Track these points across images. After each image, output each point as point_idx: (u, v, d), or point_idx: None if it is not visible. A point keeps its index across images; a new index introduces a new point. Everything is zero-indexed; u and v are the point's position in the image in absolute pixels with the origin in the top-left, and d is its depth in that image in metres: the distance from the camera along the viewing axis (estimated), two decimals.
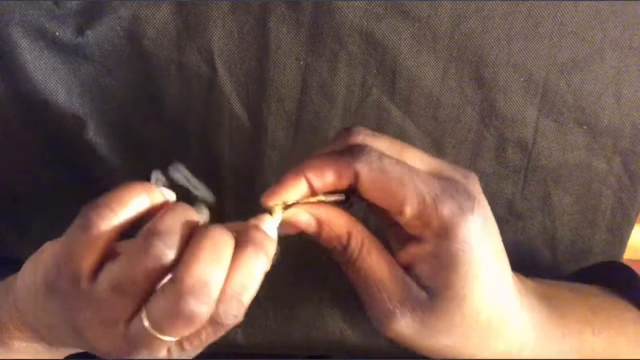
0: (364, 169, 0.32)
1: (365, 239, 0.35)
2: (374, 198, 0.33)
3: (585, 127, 0.47)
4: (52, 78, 0.42)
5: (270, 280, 0.50)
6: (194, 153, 0.45)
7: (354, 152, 0.33)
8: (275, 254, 0.33)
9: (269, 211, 0.34)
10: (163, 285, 0.30)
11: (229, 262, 0.30)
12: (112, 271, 0.30)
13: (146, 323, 0.29)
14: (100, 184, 0.45)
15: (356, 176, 0.33)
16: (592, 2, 0.44)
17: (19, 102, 0.43)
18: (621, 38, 0.45)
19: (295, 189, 0.34)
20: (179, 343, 0.31)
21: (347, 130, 0.35)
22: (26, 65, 0.41)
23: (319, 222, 0.35)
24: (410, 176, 0.33)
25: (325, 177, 0.33)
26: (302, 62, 0.44)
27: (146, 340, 0.30)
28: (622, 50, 0.45)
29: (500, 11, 0.44)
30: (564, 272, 0.50)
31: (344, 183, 0.33)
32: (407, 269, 0.34)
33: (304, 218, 0.35)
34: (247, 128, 0.45)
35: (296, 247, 0.48)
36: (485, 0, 0.43)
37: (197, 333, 0.31)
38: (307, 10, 0.42)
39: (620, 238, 0.49)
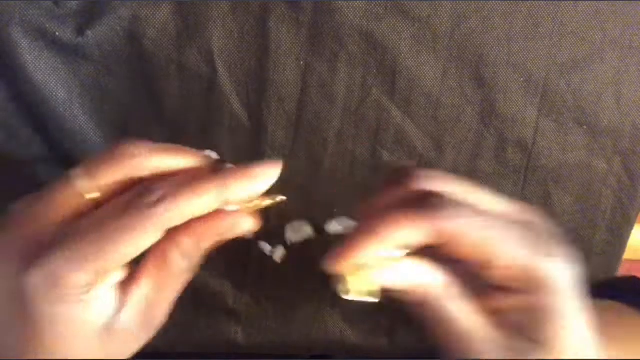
0: (450, 226, 0.30)
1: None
2: (459, 254, 0.31)
3: (585, 127, 0.47)
4: (52, 78, 0.42)
5: (270, 280, 0.50)
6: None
7: (435, 204, 0.30)
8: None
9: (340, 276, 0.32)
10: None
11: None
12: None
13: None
14: None
15: (439, 233, 0.30)
16: (592, 2, 0.44)
17: (19, 102, 0.43)
18: (621, 38, 0.45)
19: (368, 250, 0.31)
20: None
21: (408, 173, 0.32)
22: (26, 65, 0.41)
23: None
24: (498, 229, 0.30)
25: (401, 236, 0.30)
26: (302, 62, 0.44)
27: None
28: (622, 50, 0.45)
29: (500, 11, 0.44)
30: None
31: (421, 240, 0.30)
32: (493, 316, 0.32)
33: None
34: (247, 128, 0.45)
35: (296, 247, 0.48)
36: (485, 0, 0.43)
37: None
38: (307, 10, 0.42)
39: (620, 238, 0.49)
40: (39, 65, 0.42)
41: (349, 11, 0.43)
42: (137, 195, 0.29)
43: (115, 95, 0.43)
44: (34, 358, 0.30)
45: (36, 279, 0.28)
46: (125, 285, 0.31)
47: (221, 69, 0.43)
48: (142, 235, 0.28)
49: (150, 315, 0.32)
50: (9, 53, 0.41)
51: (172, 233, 0.29)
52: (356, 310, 0.51)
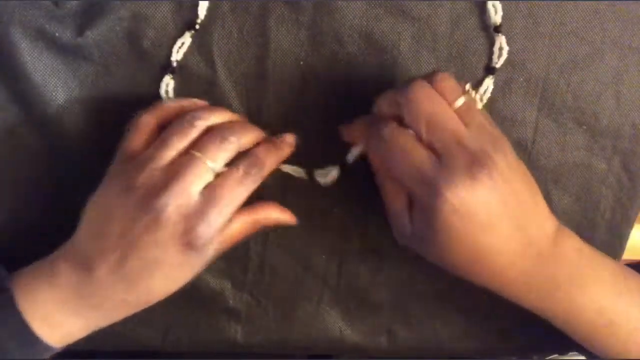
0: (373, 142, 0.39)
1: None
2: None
3: (584, 127, 0.47)
4: (51, 78, 0.42)
5: (270, 280, 0.50)
6: None
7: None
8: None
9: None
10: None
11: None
12: (160, 137, 0.40)
13: (192, 151, 0.39)
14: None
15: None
16: (592, 2, 0.44)
17: (19, 103, 0.43)
18: (621, 38, 0.45)
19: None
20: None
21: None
22: (26, 65, 0.41)
23: None
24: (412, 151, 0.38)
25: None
26: (301, 62, 0.44)
27: (190, 164, 0.38)
28: (621, 50, 0.45)
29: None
30: None
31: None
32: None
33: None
34: None
35: (296, 247, 0.48)
36: (485, 0, 0.43)
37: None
38: (307, 10, 0.42)
39: (620, 238, 0.49)
40: (39, 65, 0.42)
41: (348, 11, 0.43)
42: (245, 170, 0.40)
43: (115, 95, 0.43)
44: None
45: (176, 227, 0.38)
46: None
47: (221, 69, 0.43)
48: (251, 190, 0.40)
49: (225, 245, 0.41)
50: (9, 53, 0.41)
51: None
52: (356, 310, 0.51)
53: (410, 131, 0.38)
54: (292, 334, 0.52)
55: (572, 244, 0.42)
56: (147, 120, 0.41)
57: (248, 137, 0.41)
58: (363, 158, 0.43)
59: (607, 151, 0.47)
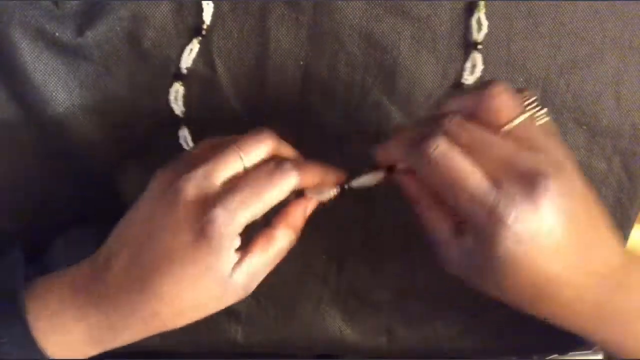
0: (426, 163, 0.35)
1: None
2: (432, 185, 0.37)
3: (584, 127, 0.47)
4: (51, 78, 0.42)
5: (270, 279, 0.50)
6: None
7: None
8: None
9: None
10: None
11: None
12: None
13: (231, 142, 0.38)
14: (100, 183, 0.45)
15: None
16: (591, 2, 0.44)
17: (19, 103, 0.43)
18: (621, 38, 0.45)
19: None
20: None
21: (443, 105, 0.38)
22: (26, 65, 0.41)
23: None
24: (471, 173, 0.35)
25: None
26: (301, 62, 0.44)
27: (222, 151, 0.37)
28: (621, 50, 0.45)
29: (500, 11, 0.44)
30: None
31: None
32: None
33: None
34: (246, 128, 0.45)
35: (296, 247, 0.48)
36: (484, 0, 0.43)
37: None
38: (307, 10, 0.42)
39: (620, 238, 0.49)
40: (39, 65, 0.42)
41: (348, 11, 0.43)
42: (276, 165, 0.38)
43: (115, 95, 0.43)
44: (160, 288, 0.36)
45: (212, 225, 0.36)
46: (240, 251, 0.38)
47: (220, 69, 0.43)
48: (280, 188, 0.37)
49: (252, 280, 0.39)
50: (9, 53, 0.41)
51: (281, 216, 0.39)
52: (356, 310, 0.51)
53: (460, 150, 0.35)
54: (292, 334, 0.52)
55: None
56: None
57: (285, 148, 0.40)
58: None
59: (607, 151, 0.47)
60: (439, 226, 0.38)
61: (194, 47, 0.43)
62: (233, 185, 0.37)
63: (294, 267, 0.50)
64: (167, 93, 0.44)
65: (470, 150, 0.35)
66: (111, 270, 0.37)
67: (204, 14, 0.42)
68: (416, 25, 0.44)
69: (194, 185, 0.36)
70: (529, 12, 0.44)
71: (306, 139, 0.46)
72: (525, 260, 0.34)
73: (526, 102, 0.36)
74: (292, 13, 0.42)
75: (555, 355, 0.57)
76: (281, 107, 0.45)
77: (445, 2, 0.43)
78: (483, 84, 0.36)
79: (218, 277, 0.37)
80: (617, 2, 0.44)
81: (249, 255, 0.38)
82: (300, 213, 0.40)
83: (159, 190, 0.37)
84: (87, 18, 0.41)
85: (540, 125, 0.36)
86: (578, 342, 0.54)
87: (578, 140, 0.47)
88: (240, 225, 0.36)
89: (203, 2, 0.42)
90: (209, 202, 0.36)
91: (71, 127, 0.44)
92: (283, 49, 0.43)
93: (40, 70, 0.42)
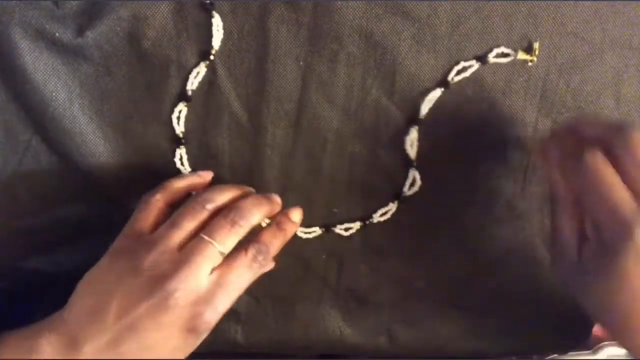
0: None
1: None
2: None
3: None
4: (52, 79, 0.42)
5: (270, 279, 0.50)
6: (193, 153, 0.45)
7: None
8: None
9: None
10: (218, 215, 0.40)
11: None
12: (171, 219, 0.40)
13: (203, 235, 0.39)
14: (100, 184, 0.45)
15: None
16: (592, 2, 0.44)
17: (19, 103, 0.43)
18: (621, 38, 0.45)
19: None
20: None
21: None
22: (26, 65, 0.41)
23: None
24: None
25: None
26: (301, 63, 0.44)
27: (200, 248, 0.38)
28: (621, 50, 0.45)
29: (500, 11, 0.44)
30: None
31: None
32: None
33: None
34: (246, 128, 0.45)
35: (296, 246, 0.48)
36: (485, 0, 0.43)
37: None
38: (307, 10, 0.42)
39: None
40: (39, 65, 0.42)
41: (348, 11, 0.43)
42: (253, 258, 0.41)
43: (115, 95, 0.43)
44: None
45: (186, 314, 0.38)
46: None
47: (221, 70, 0.43)
48: (257, 275, 0.41)
49: (218, 318, 0.40)
50: (9, 54, 0.41)
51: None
52: (356, 310, 0.51)
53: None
54: (292, 334, 0.52)
55: None
56: (156, 200, 0.41)
57: (256, 217, 0.41)
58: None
59: None
60: (567, 224, 0.41)
61: (201, 70, 0.43)
62: (216, 281, 0.39)
63: (294, 267, 0.50)
64: (167, 94, 0.44)
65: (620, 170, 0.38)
66: (82, 352, 0.37)
67: (213, 39, 0.42)
68: (416, 25, 0.43)
69: (183, 292, 0.37)
70: (529, 12, 0.44)
71: (305, 139, 0.46)
72: (637, 274, 0.37)
73: None
74: (292, 13, 0.42)
75: (555, 355, 0.57)
76: (281, 107, 0.45)
77: (445, 2, 0.43)
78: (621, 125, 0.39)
79: (190, 351, 0.40)
80: (618, 2, 0.44)
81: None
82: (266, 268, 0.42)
83: (139, 279, 0.38)
84: (87, 18, 0.41)
85: None
86: (578, 342, 0.55)
87: None
88: (224, 311, 0.40)
89: (213, 28, 0.42)
90: (199, 303, 0.38)
91: (71, 127, 0.44)
92: (283, 49, 0.43)
93: (41, 70, 0.42)
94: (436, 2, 0.43)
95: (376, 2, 0.42)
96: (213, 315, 0.38)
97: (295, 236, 0.48)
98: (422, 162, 0.47)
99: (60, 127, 0.43)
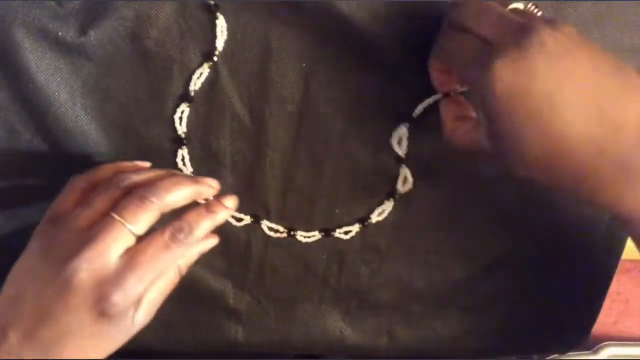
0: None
1: None
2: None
3: None
4: (54, 78, 0.42)
5: (270, 280, 0.50)
6: (195, 153, 0.45)
7: None
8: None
9: None
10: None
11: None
12: (86, 200, 0.38)
13: (111, 213, 0.36)
14: None
15: None
16: (592, 3, 0.44)
17: (21, 103, 0.43)
18: (621, 39, 0.45)
19: None
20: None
21: None
22: (28, 65, 0.41)
23: None
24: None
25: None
26: (303, 64, 0.44)
27: (107, 227, 0.36)
28: (622, 51, 0.45)
29: None
30: (567, 270, 0.51)
31: None
32: None
33: None
34: (248, 129, 0.45)
35: (297, 246, 0.48)
36: (485, 1, 0.43)
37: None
38: (310, 11, 0.42)
39: (620, 238, 0.50)
40: (42, 65, 0.42)
41: (350, 12, 0.43)
42: (171, 236, 0.38)
43: (117, 95, 0.43)
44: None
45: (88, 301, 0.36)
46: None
47: (223, 70, 0.43)
48: (175, 257, 0.38)
49: (152, 309, 0.38)
50: (12, 53, 0.41)
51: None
52: (356, 310, 0.51)
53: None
54: (292, 334, 0.52)
55: None
56: (78, 182, 0.40)
57: (173, 195, 0.38)
58: None
59: None
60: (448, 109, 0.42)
61: (204, 71, 0.43)
62: (127, 262, 0.36)
63: (294, 267, 0.50)
64: (169, 94, 0.44)
65: (475, 16, 0.36)
66: (9, 339, 0.36)
67: (217, 41, 0.42)
68: (416, 26, 0.44)
69: (88, 269, 0.35)
70: None
71: (307, 140, 0.46)
72: (526, 113, 0.34)
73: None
74: (295, 15, 0.42)
75: (555, 355, 0.57)
76: (283, 108, 0.45)
77: (446, 3, 0.43)
78: None
79: (122, 333, 0.37)
80: (618, 3, 0.44)
81: (144, 299, 0.37)
82: (193, 253, 0.40)
83: (47, 262, 0.37)
84: (90, 17, 0.41)
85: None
86: (578, 342, 0.55)
87: None
88: (139, 296, 0.37)
89: (217, 29, 0.42)
90: (106, 284, 0.36)
91: (73, 127, 0.43)
92: (285, 51, 0.43)
93: (43, 70, 0.42)
94: (436, 3, 0.43)
95: (377, 3, 0.43)
96: (122, 298, 0.36)
97: (295, 240, 0.48)
98: (415, 161, 0.47)
99: (62, 127, 0.43)
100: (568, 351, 0.56)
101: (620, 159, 0.34)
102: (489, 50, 0.35)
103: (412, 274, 0.51)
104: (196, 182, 0.40)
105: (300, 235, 0.48)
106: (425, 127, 0.45)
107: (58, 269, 0.36)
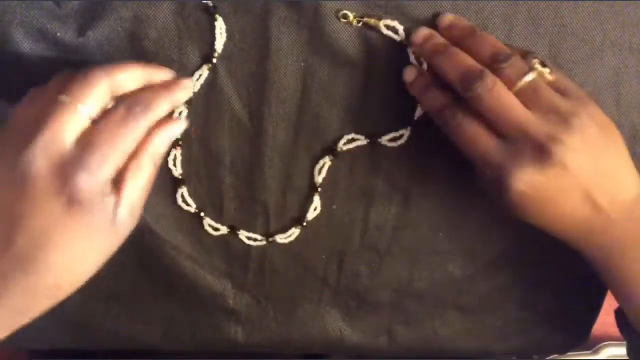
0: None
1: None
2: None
3: None
4: None
5: (270, 280, 0.50)
6: (194, 153, 0.45)
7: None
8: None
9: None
10: None
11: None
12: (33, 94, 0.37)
13: (60, 95, 0.35)
14: None
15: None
16: (592, 2, 0.44)
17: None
18: (621, 39, 0.45)
19: None
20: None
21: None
22: (28, 66, 0.41)
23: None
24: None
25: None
26: (302, 64, 0.43)
27: (55, 109, 0.34)
28: (621, 51, 0.45)
29: (500, 11, 0.44)
30: (567, 269, 0.50)
31: None
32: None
33: None
34: (247, 129, 0.45)
35: (296, 246, 0.48)
36: (485, 1, 0.43)
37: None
38: (308, 11, 0.42)
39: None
40: (40, 66, 0.42)
41: (349, 12, 0.43)
42: (126, 110, 0.35)
43: None
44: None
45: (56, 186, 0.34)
46: (114, 191, 0.36)
47: (222, 70, 0.43)
48: (136, 134, 0.36)
49: (135, 208, 0.37)
50: (11, 53, 0.41)
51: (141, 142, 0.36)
52: (356, 310, 0.51)
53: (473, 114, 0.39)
54: (292, 334, 0.52)
55: None
56: (40, 87, 0.38)
57: (122, 71, 0.36)
58: None
59: None
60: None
61: (203, 73, 0.43)
62: (86, 142, 0.34)
63: (294, 267, 0.50)
64: None
65: (488, 113, 0.38)
66: None
67: (216, 43, 0.42)
68: (417, 26, 0.43)
69: (43, 156, 0.33)
70: (529, 12, 0.44)
71: (306, 141, 0.46)
72: (530, 206, 0.39)
73: (532, 64, 0.40)
74: (293, 14, 0.42)
75: (555, 355, 0.57)
76: (281, 108, 0.45)
77: (445, 3, 0.43)
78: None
79: (102, 228, 0.35)
80: (618, 3, 0.44)
81: (123, 191, 0.36)
82: (161, 137, 0.37)
83: (1, 165, 0.35)
84: (88, 18, 0.41)
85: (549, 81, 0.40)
86: (578, 342, 0.55)
87: None
88: (106, 178, 0.35)
89: (216, 31, 0.42)
90: (67, 168, 0.34)
91: None
92: (284, 50, 0.43)
93: (42, 71, 0.42)
94: (437, 3, 0.43)
95: (376, 2, 0.42)
96: (87, 179, 0.34)
97: (295, 240, 0.48)
98: (415, 161, 0.47)
99: None
100: (568, 351, 0.56)
101: (592, 230, 0.40)
102: (505, 153, 0.38)
103: (412, 274, 0.50)
104: (148, 66, 0.38)
105: (280, 238, 0.48)
106: (426, 127, 0.45)
107: (12, 166, 0.34)
